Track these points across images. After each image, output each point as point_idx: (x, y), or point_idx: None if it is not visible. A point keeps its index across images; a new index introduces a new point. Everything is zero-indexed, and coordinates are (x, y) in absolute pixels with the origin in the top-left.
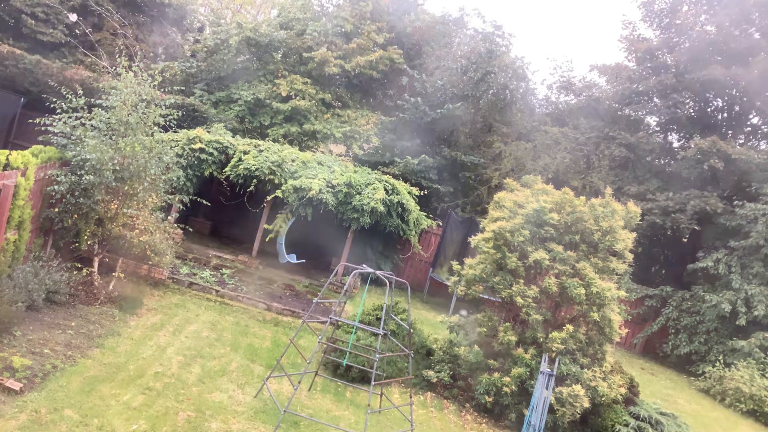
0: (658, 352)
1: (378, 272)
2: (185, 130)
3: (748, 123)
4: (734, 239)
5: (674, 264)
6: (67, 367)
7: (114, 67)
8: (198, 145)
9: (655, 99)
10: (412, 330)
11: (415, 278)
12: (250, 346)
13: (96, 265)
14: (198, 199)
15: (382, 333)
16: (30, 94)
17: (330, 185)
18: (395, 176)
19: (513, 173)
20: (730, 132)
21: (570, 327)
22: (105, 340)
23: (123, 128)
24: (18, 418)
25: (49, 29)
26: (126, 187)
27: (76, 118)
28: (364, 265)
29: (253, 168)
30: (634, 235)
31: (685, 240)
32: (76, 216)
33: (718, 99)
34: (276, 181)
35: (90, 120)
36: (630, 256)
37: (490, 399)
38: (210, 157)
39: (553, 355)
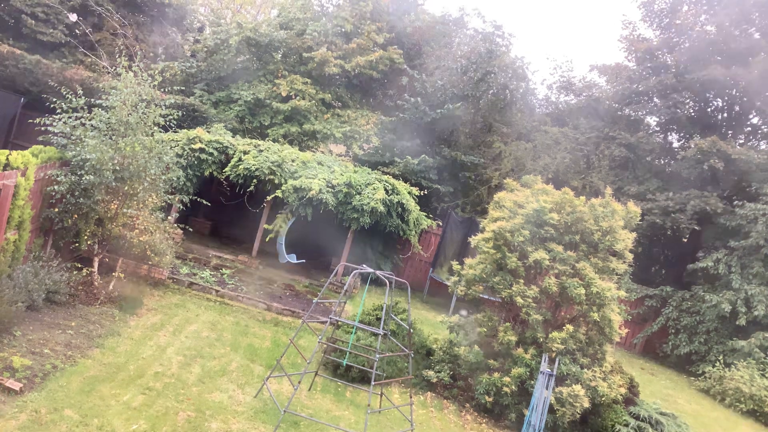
0: (658, 352)
1: (378, 272)
2: (185, 130)
3: (748, 123)
4: (734, 239)
5: (674, 264)
6: (67, 367)
7: (114, 67)
8: (198, 145)
9: (655, 99)
10: (412, 330)
11: (415, 278)
12: (250, 346)
13: (96, 265)
14: (198, 199)
15: (382, 333)
16: (30, 94)
17: (330, 185)
18: (395, 176)
19: (513, 173)
20: (730, 132)
21: (570, 327)
22: (105, 340)
23: (123, 128)
24: (18, 418)
25: (49, 29)
26: (126, 187)
27: (76, 118)
28: (364, 265)
29: (253, 168)
30: (634, 235)
31: (685, 240)
32: (76, 216)
33: (718, 99)
34: (276, 181)
35: (90, 120)
36: (630, 256)
37: (490, 399)
38: (210, 157)
39: (553, 355)
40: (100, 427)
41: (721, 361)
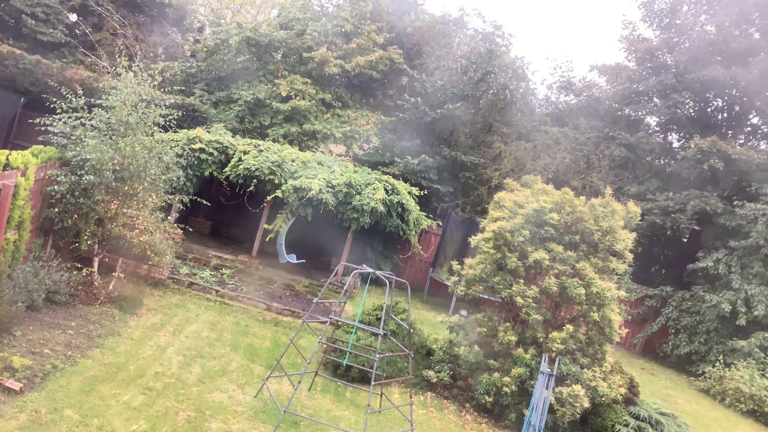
0: (658, 352)
1: (378, 272)
2: (185, 130)
3: (748, 123)
4: (734, 239)
5: (674, 264)
6: (67, 367)
7: (114, 67)
8: (198, 145)
9: (655, 99)
10: (412, 330)
11: (415, 278)
12: (250, 346)
13: (96, 265)
14: (198, 199)
15: (382, 333)
16: (30, 94)
17: (330, 185)
18: (395, 176)
19: (513, 173)
20: (730, 132)
21: (570, 327)
22: (105, 340)
23: (123, 128)
24: (18, 418)
25: (49, 29)
26: (126, 187)
27: (76, 118)
28: (364, 265)
29: (253, 168)
30: (634, 235)
31: (685, 240)
32: (76, 216)
33: (718, 99)
34: (276, 181)
35: (90, 120)
36: (630, 256)
37: (490, 399)
38: (210, 157)
39: (553, 355)
40: (100, 427)
41: (721, 361)
